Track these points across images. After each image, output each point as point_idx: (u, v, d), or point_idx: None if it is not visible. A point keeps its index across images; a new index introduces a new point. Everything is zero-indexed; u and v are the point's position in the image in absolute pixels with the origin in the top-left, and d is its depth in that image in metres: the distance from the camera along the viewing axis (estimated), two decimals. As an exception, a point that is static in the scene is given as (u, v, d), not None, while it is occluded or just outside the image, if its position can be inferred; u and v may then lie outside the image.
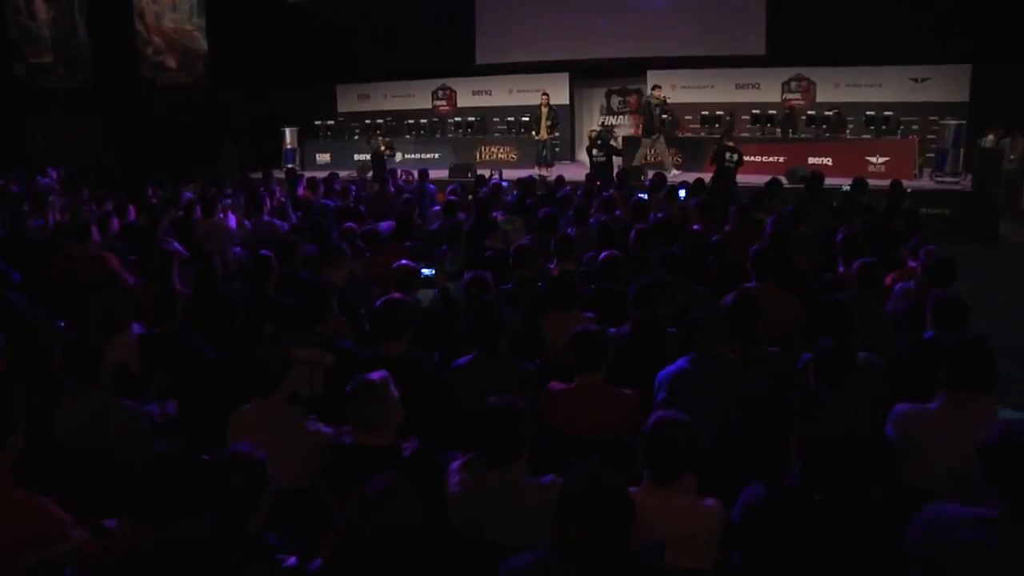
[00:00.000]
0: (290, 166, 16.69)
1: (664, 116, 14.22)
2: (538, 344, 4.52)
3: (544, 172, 14.42)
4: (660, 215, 6.60)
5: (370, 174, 14.73)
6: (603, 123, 17.04)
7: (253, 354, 3.29)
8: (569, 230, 7.32)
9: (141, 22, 18.61)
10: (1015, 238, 11.43)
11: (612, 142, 11.99)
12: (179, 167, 16.19)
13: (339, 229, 7.07)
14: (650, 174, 11.26)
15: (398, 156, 15.69)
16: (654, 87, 14.40)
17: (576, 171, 14.29)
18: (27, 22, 17.76)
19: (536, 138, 14.95)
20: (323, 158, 16.89)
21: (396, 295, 3.96)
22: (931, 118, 14.54)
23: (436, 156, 15.97)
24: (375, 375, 2.96)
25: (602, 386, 3.47)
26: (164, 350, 4.45)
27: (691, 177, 13.29)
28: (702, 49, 15.86)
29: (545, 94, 15.16)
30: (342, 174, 15.26)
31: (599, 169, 12.06)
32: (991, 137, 13.49)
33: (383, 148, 13.89)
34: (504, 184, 10.05)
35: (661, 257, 5.00)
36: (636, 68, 16.35)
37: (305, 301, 4.18)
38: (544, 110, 14.79)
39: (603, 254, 5.04)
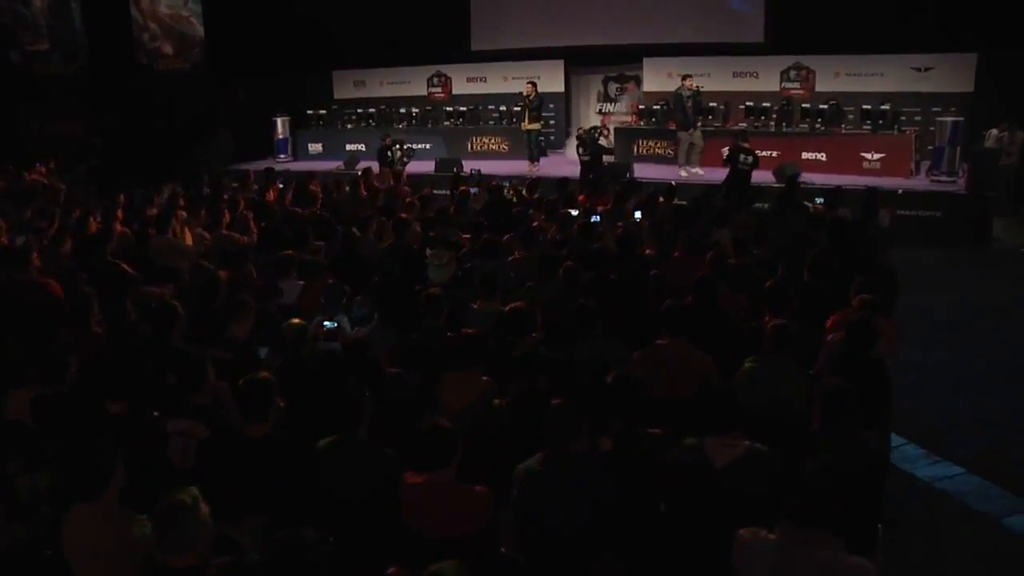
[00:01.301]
0: (281, 156, 16.65)
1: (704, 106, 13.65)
2: (434, 408, 4.36)
3: (535, 168, 14.14)
4: (596, 246, 6.32)
5: (358, 167, 14.56)
6: (600, 109, 16.73)
7: (75, 454, 3.16)
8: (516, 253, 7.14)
9: (136, 8, 18.47)
10: (1009, 242, 10.99)
11: (601, 140, 11.65)
12: (170, 157, 16.22)
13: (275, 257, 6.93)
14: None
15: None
16: (685, 76, 13.53)
17: (566, 166, 13.95)
18: (22, 9, 17.65)
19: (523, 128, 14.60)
20: (315, 148, 16.74)
21: (263, 374, 3.80)
22: (934, 109, 14.06)
23: (427, 147, 15.73)
24: (186, 494, 2.83)
25: (450, 485, 3.30)
26: (56, 413, 4.35)
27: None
28: (699, 36, 15.41)
29: (530, 82, 14.70)
30: (330, 166, 15.23)
31: (585, 169, 11.78)
32: (995, 132, 13.02)
33: (399, 154, 13.29)
34: (474, 191, 9.78)
35: (575, 308, 4.78)
36: (632, 55, 15.95)
37: (178, 374, 4.06)
38: (529, 98, 14.37)
39: (509, 306, 4.83)
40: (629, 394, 3.65)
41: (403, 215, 7.93)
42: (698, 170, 12.95)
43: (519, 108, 15.58)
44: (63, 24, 18.00)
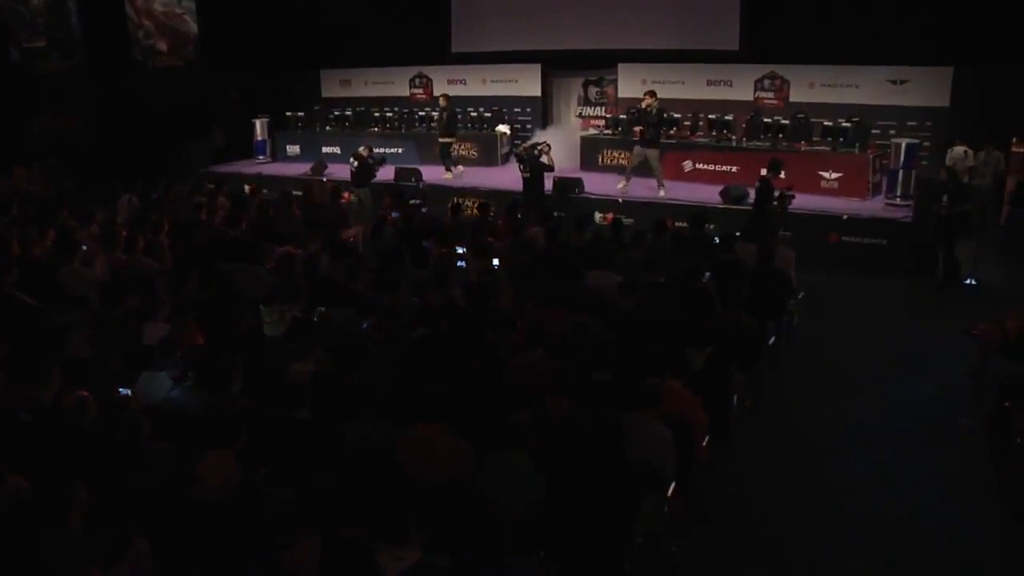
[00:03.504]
0: (260, 157, 16.88)
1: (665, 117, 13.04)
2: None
3: (449, 176, 14.24)
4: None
5: (324, 174, 14.76)
6: (580, 113, 16.60)
7: None
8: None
9: (131, 6, 18.79)
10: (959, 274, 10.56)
11: (543, 158, 11.54)
12: (153, 158, 16.57)
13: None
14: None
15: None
16: (646, 93, 12.68)
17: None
18: (19, 7, 18.10)
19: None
20: (293, 150, 16.91)
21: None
22: (910, 123, 13.69)
23: (400, 151, 15.78)
24: None
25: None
26: None
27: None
28: (674, 42, 15.12)
29: (443, 94, 14.75)
30: (306, 168, 15.37)
31: (525, 187, 11.73)
32: (961, 149, 12.58)
33: (365, 154, 13.25)
34: (394, 215, 9.81)
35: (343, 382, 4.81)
36: (608, 60, 15.75)
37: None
38: (443, 111, 14.43)
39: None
40: (322, 500, 3.68)
41: (291, 249, 7.99)
42: (661, 192, 12.65)
43: (490, 115, 15.63)
44: (60, 22, 18.40)
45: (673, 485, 4.88)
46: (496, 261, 7.37)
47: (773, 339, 7.34)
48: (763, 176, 10.41)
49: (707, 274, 7.43)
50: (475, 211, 10.27)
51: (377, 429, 4.70)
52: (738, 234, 8.83)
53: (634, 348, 5.37)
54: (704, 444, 5.32)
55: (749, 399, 6.53)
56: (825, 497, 5.70)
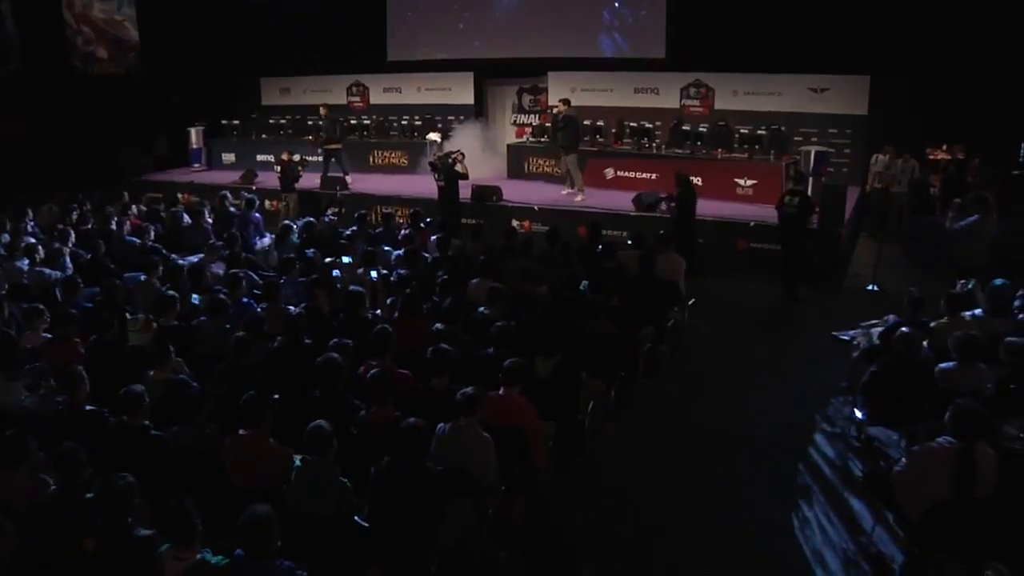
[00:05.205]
0: (196, 165, 16.87)
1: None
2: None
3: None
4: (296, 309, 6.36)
5: (254, 182, 14.80)
6: (515, 120, 16.74)
7: None
8: (259, 307, 7.21)
9: (69, 12, 18.72)
10: (866, 278, 10.72)
11: (457, 167, 11.64)
12: (87, 165, 16.52)
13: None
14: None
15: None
16: (560, 100, 12.90)
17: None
18: (-46, 14, 18.01)
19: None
20: (228, 158, 16.89)
21: None
22: (831, 131, 13.96)
23: (333, 160, 15.79)
24: None
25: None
26: None
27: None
28: (602, 50, 15.33)
29: (324, 105, 14.92)
30: (233, 177, 15.36)
31: (441, 195, 11.83)
32: (885, 157, 12.90)
33: (286, 159, 13.29)
34: (295, 225, 9.85)
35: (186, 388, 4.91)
36: (540, 68, 15.90)
37: None
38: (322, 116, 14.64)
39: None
40: (115, 500, 3.76)
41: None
42: (580, 196, 12.79)
43: (420, 123, 15.74)
44: (-6, 27, 18.31)
45: (504, 491, 5.02)
46: (374, 273, 7.42)
47: (649, 346, 7.47)
48: (792, 188, 10.17)
49: (585, 283, 7.52)
50: (380, 219, 10.38)
51: (203, 435, 4.79)
52: (630, 242, 8.99)
53: (470, 356, 5.47)
54: (545, 451, 5.44)
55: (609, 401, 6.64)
56: (668, 502, 5.77)
